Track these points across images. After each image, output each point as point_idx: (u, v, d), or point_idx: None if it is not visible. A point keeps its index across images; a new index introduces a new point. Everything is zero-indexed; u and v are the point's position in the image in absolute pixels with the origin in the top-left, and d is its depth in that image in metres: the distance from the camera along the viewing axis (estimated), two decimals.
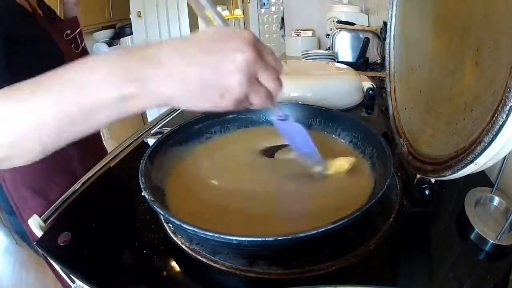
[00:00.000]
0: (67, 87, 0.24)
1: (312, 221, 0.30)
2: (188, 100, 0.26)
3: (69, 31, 0.64)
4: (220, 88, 0.26)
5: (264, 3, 3.48)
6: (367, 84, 0.82)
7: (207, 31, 0.27)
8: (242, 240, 0.28)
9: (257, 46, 0.26)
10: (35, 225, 0.41)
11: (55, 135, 0.25)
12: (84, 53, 0.68)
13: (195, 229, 0.29)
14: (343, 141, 0.52)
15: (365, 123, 0.49)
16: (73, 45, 0.65)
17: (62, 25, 0.65)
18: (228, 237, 0.28)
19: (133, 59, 0.25)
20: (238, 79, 0.25)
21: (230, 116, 0.56)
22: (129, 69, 0.25)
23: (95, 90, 0.24)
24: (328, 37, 1.58)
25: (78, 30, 0.67)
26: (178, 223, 0.30)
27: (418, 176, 0.42)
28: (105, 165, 0.56)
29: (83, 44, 0.68)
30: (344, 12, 1.58)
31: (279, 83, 0.29)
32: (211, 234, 0.29)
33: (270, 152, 0.49)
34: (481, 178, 0.45)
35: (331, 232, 0.29)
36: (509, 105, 0.25)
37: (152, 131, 0.63)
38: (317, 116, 0.56)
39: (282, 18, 2.71)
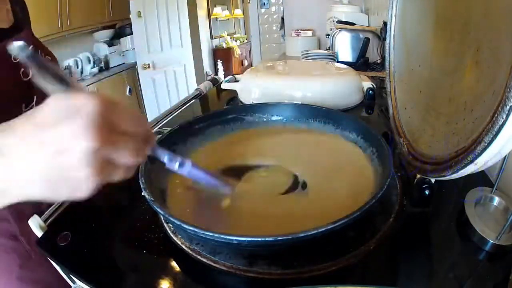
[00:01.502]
0: None
1: (312, 221, 0.29)
2: (48, 197, 0.23)
3: None
4: (70, 185, 0.22)
5: (264, 3, 3.48)
6: (367, 84, 0.82)
7: (48, 105, 0.22)
8: (242, 240, 0.28)
9: (108, 118, 0.22)
10: (35, 225, 0.41)
11: None
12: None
13: (195, 229, 0.29)
14: (343, 141, 0.52)
15: (365, 123, 0.49)
16: (22, 70, 0.46)
17: (4, 45, 0.47)
18: (228, 237, 0.28)
19: None
20: (85, 174, 0.21)
21: (230, 116, 0.56)
22: None
23: None
24: (328, 37, 1.59)
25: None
26: (178, 223, 0.30)
27: (418, 176, 0.42)
28: None
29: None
30: (344, 12, 1.59)
31: (141, 153, 0.25)
32: (211, 234, 0.29)
33: (235, 172, 0.46)
34: (481, 178, 0.45)
35: (331, 232, 0.29)
36: (509, 105, 0.25)
37: (152, 131, 0.63)
38: (317, 116, 0.56)
39: (282, 18, 2.72)
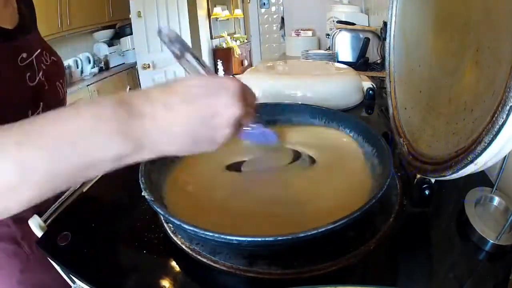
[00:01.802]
0: (59, 144, 0.23)
1: (311, 221, 0.30)
2: (180, 152, 0.28)
3: (25, 55, 0.44)
4: (210, 140, 0.28)
5: (264, 3, 3.48)
6: (367, 84, 0.83)
7: (192, 82, 0.27)
8: (242, 240, 0.28)
9: (244, 95, 0.28)
10: (35, 225, 0.41)
11: (44, 189, 0.24)
12: (41, 87, 0.47)
13: (195, 229, 0.29)
14: (343, 141, 0.52)
15: (365, 123, 0.49)
16: (28, 74, 0.45)
17: (17, 44, 0.44)
18: (228, 237, 0.28)
19: (126, 115, 0.25)
20: (227, 132, 0.27)
21: None
22: (125, 127, 0.24)
23: (91, 149, 0.24)
24: (328, 37, 1.59)
25: (37, 52, 0.47)
26: (178, 223, 0.30)
27: (418, 176, 0.42)
28: None
29: (40, 73, 0.47)
30: (344, 12, 1.59)
31: (255, 115, 0.32)
32: (211, 234, 0.29)
33: (235, 167, 0.48)
34: (481, 178, 0.45)
35: (331, 232, 0.29)
36: (509, 105, 0.25)
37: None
38: (317, 116, 0.56)
39: (282, 18, 2.72)
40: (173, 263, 0.36)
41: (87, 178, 0.26)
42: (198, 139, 0.27)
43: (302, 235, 0.28)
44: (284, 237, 0.28)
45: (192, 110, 0.26)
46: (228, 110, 0.27)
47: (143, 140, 0.25)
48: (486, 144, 0.28)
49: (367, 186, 0.41)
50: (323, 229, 0.28)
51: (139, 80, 2.70)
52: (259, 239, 0.28)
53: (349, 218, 0.30)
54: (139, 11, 2.40)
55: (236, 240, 0.28)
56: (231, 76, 0.28)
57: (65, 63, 2.30)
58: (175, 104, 0.26)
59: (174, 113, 0.25)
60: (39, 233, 0.41)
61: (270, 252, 0.35)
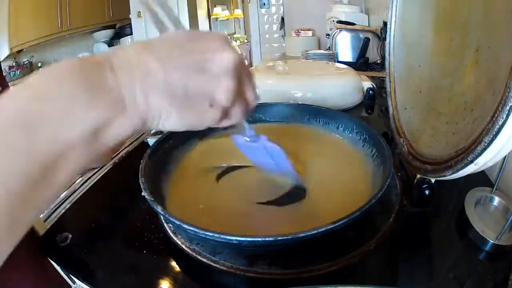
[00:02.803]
0: (12, 138, 0.16)
1: (311, 221, 0.30)
2: (174, 113, 0.21)
3: None
4: (209, 95, 0.22)
5: (264, 3, 3.48)
6: (367, 84, 0.83)
7: (176, 33, 0.23)
8: (242, 240, 0.28)
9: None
10: (35, 224, 0.41)
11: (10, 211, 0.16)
12: None
13: (195, 229, 0.29)
14: (344, 141, 0.52)
15: (365, 123, 0.49)
16: None
17: None
18: (228, 237, 0.28)
19: (96, 71, 0.18)
20: (227, 83, 0.22)
21: None
22: (96, 84, 0.18)
23: (54, 130, 0.16)
24: (328, 37, 1.59)
25: None
26: (178, 223, 0.30)
27: (418, 176, 0.42)
28: (105, 165, 0.56)
29: None
30: (344, 12, 1.59)
31: (257, 94, 0.26)
32: (211, 234, 0.29)
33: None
34: (481, 178, 0.45)
35: (331, 232, 0.29)
36: (509, 105, 0.25)
37: (152, 131, 0.63)
38: (317, 116, 0.56)
39: (282, 18, 2.72)
40: (173, 263, 0.36)
41: (60, 183, 0.18)
42: (194, 92, 0.21)
43: (302, 235, 0.28)
44: (284, 237, 0.28)
45: (181, 54, 0.20)
46: (222, 52, 0.21)
47: (120, 97, 0.19)
48: (486, 144, 0.28)
49: (367, 186, 0.41)
50: (323, 229, 0.28)
51: None
52: (259, 239, 0.28)
53: (349, 218, 0.30)
54: (139, 11, 2.39)
55: (236, 240, 0.28)
56: None
57: None
58: (157, 47, 0.20)
59: (158, 57, 0.20)
60: (39, 233, 0.41)
61: (270, 252, 0.35)
